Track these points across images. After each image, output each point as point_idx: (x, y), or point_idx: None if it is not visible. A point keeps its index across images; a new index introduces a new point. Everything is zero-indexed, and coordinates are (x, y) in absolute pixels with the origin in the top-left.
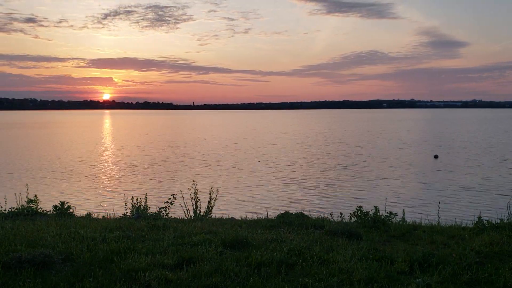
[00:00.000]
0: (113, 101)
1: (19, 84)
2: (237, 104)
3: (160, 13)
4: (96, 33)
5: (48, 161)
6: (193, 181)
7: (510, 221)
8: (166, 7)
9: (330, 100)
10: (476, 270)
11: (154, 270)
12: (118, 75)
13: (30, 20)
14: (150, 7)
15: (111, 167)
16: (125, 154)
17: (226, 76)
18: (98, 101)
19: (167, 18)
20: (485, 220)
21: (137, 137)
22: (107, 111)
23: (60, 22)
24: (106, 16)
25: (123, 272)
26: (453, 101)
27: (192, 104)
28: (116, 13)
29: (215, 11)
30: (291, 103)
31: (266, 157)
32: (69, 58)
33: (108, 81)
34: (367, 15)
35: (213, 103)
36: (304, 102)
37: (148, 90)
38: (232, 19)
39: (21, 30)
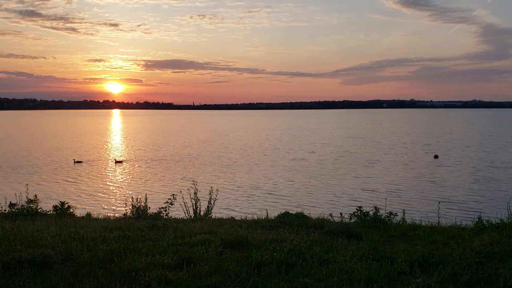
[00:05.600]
0: (113, 101)
1: (35, 84)
2: (237, 104)
3: (242, 15)
4: (163, 36)
5: (49, 162)
6: (193, 181)
7: (510, 221)
8: (255, 11)
9: (330, 100)
10: (476, 270)
11: (154, 270)
12: (150, 76)
13: (114, 25)
14: (241, 9)
15: (111, 167)
16: (125, 154)
17: (253, 77)
18: (98, 101)
19: (245, 22)
20: (485, 220)
21: (132, 138)
22: (104, 111)
23: (138, 26)
24: (190, 17)
25: (123, 272)
26: (453, 101)
27: (192, 104)
28: (201, 15)
29: (297, 15)
30: (291, 103)
31: (266, 158)
32: (114, 61)
33: (135, 82)
34: (436, 19)
35: (213, 103)
36: (304, 102)
37: (163, 91)
38: (306, 22)
39: (96, 34)
